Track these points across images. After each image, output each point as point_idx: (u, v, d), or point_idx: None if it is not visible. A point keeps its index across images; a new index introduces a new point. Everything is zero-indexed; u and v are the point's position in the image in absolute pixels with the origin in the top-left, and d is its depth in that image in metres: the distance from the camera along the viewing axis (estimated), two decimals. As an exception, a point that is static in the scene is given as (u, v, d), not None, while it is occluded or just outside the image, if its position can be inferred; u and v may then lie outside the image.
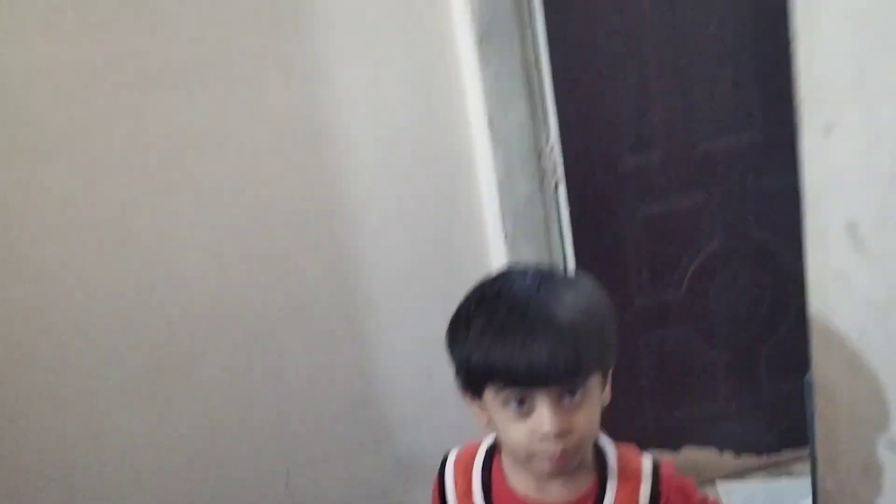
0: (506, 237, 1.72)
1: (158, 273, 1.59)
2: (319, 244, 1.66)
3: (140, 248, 1.57)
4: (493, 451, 0.95)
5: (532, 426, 0.79)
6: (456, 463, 0.98)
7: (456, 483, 0.96)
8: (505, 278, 0.87)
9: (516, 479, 0.91)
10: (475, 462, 0.96)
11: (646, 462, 0.93)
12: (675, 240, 1.86)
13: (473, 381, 0.84)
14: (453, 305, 0.86)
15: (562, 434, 0.78)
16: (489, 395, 0.83)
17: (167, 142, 1.55)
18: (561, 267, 1.79)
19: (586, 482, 0.90)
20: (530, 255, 1.74)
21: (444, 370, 1.79)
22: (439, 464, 0.99)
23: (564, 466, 0.82)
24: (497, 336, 0.79)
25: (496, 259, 1.77)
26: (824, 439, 1.07)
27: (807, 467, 1.91)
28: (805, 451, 1.96)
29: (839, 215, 0.93)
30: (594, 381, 0.82)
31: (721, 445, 2.03)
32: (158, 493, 1.69)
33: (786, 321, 1.93)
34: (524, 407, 0.80)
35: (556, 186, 1.75)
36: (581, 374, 0.79)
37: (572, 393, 0.79)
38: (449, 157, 1.70)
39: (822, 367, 1.04)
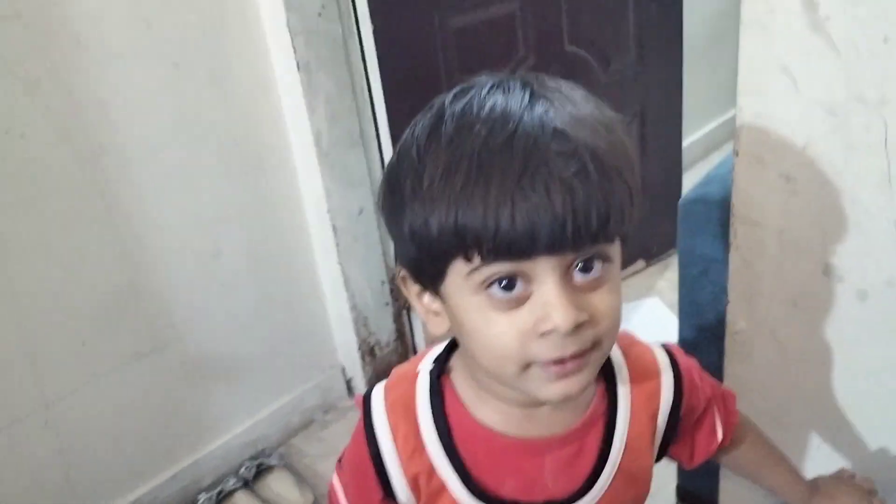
0: (298, 63, 1.34)
1: None
2: (41, 83, 1.13)
3: None
4: (440, 375, 0.63)
5: (526, 320, 0.50)
6: (390, 405, 0.63)
7: (396, 436, 0.62)
8: (469, 92, 0.52)
9: (485, 408, 0.61)
10: (418, 396, 0.63)
11: (658, 352, 0.68)
12: (488, 52, 1.61)
13: (430, 261, 0.52)
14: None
15: (578, 327, 0.50)
16: (455, 279, 0.52)
17: None
18: (366, 90, 1.46)
19: (589, 401, 0.63)
20: (328, 82, 1.41)
21: (234, 246, 1.43)
22: (361, 415, 0.64)
23: (580, 384, 0.53)
24: (472, 179, 0.47)
25: (289, 92, 1.39)
26: (741, 273, 0.92)
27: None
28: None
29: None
30: (615, 250, 0.53)
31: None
32: None
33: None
34: (514, 291, 0.50)
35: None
36: (610, 229, 0.49)
37: (587, 266, 0.51)
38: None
39: (744, 191, 0.86)
